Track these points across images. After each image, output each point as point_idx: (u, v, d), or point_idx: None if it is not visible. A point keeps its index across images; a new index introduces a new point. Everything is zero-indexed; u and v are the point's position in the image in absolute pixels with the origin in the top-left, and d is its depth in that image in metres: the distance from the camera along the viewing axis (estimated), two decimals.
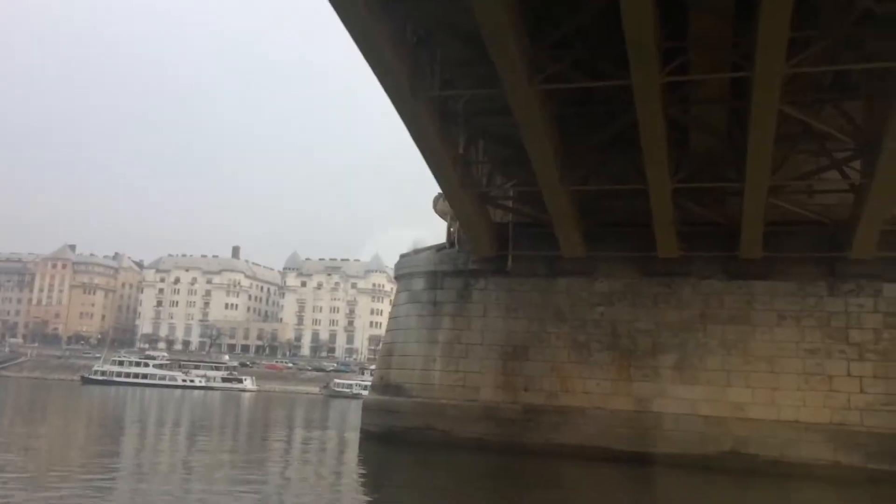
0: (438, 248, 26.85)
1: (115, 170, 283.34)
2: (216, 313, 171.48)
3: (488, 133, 22.06)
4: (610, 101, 20.12)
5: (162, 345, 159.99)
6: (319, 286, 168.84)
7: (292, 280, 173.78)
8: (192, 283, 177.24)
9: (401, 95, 18.12)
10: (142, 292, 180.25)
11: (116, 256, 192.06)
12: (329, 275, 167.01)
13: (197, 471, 20.14)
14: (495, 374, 24.73)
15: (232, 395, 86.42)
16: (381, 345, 31.23)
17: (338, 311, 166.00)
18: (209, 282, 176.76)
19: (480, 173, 24.24)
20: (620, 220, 23.61)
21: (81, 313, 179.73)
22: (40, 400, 55.82)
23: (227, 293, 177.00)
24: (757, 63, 15.74)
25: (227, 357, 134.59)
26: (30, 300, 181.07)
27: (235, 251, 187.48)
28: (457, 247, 26.16)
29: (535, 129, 19.31)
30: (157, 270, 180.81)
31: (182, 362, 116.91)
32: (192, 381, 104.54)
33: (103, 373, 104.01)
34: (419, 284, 26.77)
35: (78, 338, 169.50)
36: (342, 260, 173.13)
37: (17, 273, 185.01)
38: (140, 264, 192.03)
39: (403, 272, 27.81)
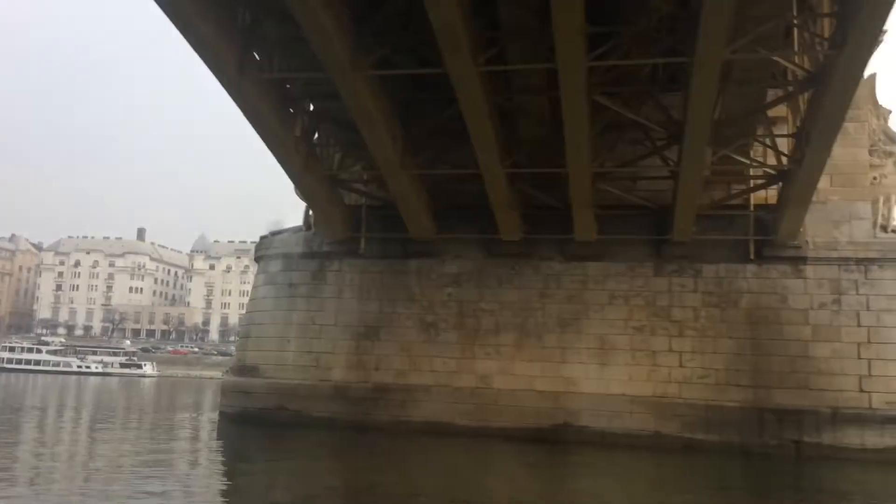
0: (295, 231, 27.21)
1: (9, 146, 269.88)
2: (120, 297, 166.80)
3: (332, 117, 22.42)
4: (443, 88, 20.78)
5: (62, 330, 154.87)
6: (228, 269, 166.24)
7: (200, 263, 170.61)
8: (94, 267, 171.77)
9: (227, 75, 18.34)
10: (40, 276, 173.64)
11: (13, 238, 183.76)
12: (238, 257, 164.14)
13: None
14: (347, 355, 25.34)
15: (131, 381, 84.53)
16: (239, 327, 31.33)
17: (247, 295, 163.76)
18: (112, 265, 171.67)
19: (330, 156, 24.62)
20: (468, 203, 24.34)
21: None
22: None
23: (132, 276, 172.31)
24: (559, 56, 16.69)
25: (128, 342, 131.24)
26: None
27: (141, 233, 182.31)
28: (312, 229, 26.54)
29: (367, 114, 19.86)
30: (57, 253, 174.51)
31: (78, 348, 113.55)
32: (88, 367, 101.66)
33: None
34: (276, 266, 27.10)
35: None
36: (252, 242, 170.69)
37: None
38: (39, 246, 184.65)
39: (261, 254, 28.08)
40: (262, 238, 28.62)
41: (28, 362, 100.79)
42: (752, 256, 23.42)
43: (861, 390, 22.12)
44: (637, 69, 20.34)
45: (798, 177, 20.60)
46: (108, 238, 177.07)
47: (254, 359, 26.72)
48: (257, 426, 25.06)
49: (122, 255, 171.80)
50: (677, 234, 23.39)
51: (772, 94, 21.94)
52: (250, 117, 19.90)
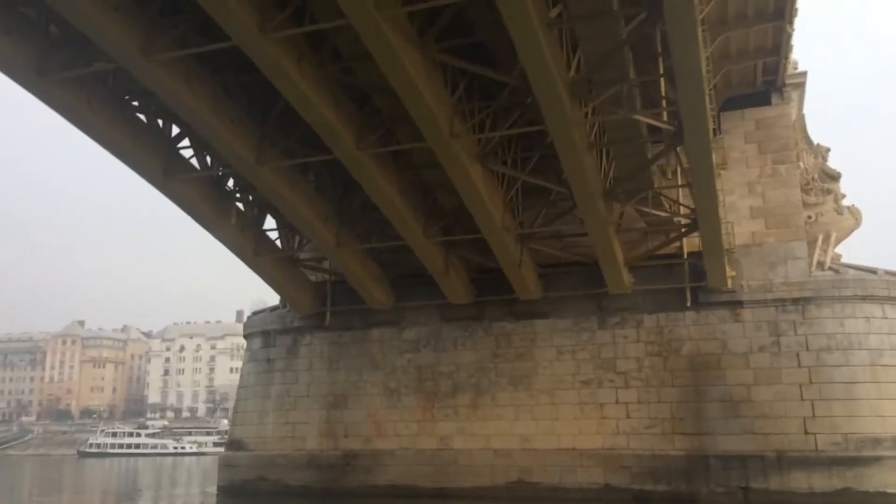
0: (272, 309, 29.24)
1: (111, 238, 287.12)
2: (221, 378, 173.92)
3: (266, 203, 24.34)
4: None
5: (170, 413, 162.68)
6: None
7: None
8: (197, 350, 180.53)
9: (154, 179, 20.73)
10: (149, 362, 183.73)
11: (125, 328, 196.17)
12: None
13: None
14: (319, 424, 26.81)
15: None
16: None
17: None
18: (213, 347, 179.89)
19: (289, 237, 26.54)
20: (421, 270, 25.77)
21: (92, 387, 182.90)
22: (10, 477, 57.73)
23: (232, 357, 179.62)
24: (425, 135, 18.23)
25: (225, 422, 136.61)
26: (42, 378, 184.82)
27: (239, 315, 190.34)
28: (288, 307, 28.48)
29: (285, 201, 21.83)
30: (163, 339, 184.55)
31: (174, 429, 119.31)
32: (183, 447, 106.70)
33: (98, 445, 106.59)
34: (256, 344, 29.13)
35: (89, 412, 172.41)
36: None
37: (30, 352, 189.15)
38: (148, 334, 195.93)
39: (247, 333, 30.20)
40: (248, 317, 30.79)
41: (129, 446, 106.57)
42: (688, 304, 23.68)
43: (806, 432, 21.77)
44: (531, 136, 21.37)
45: (700, 226, 21.07)
46: (209, 322, 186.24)
47: (240, 433, 28.58)
48: (241, 498, 26.71)
49: (222, 338, 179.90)
50: (612, 288, 23.98)
51: None
52: (186, 211, 22.19)
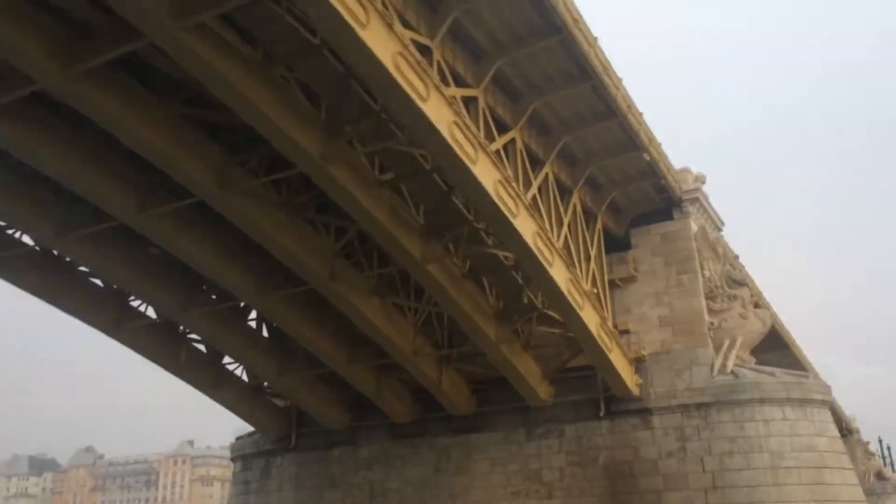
0: (251, 433, 31.96)
1: None
2: None
3: None
4: None
5: None
6: None
7: None
8: None
9: (104, 328, 24.28)
10: None
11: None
12: None
13: None
14: None
15: None
16: None
17: None
18: None
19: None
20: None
21: None
22: None
23: None
24: (309, 281, 21.08)
25: None
26: (156, 498, 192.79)
27: None
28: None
29: (226, 342, 24.93)
30: None
31: None
32: None
33: None
34: (238, 467, 31.79)
35: None
36: None
37: (144, 473, 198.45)
38: None
39: (231, 457, 32.95)
40: (232, 443, 33.59)
41: None
42: (602, 414, 24.82)
43: None
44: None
45: (580, 343, 22.67)
46: None
47: None
48: None
49: None
50: (530, 401, 25.48)
51: None
52: (139, 353, 25.54)
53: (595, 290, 23.46)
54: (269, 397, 29.86)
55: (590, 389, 25.25)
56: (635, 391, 24.38)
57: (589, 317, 22.01)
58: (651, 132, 23.67)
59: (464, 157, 16.34)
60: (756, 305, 26.08)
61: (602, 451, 24.67)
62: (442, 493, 26.81)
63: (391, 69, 14.18)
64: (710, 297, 25.50)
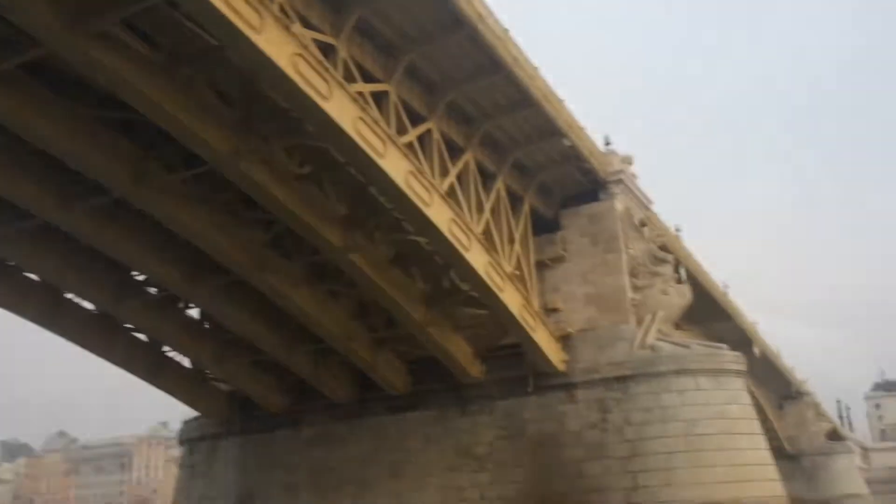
0: (196, 418, 32.58)
1: None
2: None
3: None
4: None
5: None
6: None
7: None
8: None
9: (40, 320, 24.68)
10: None
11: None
12: None
13: None
14: None
15: None
16: None
17: None
18: None
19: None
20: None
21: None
22: None
23: None
24: (239, 273, 21.65)
25: None
26: (130, 480, 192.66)
27: None
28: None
29: (164, 332, 25.44)
30: None
31: None
32: None
33: None
34: (185, 451, 32.47)
35: None
36: None
37: (118, 456, 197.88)
38: None
39: (179, 440, 33.59)
40: (180, 428, 34.21)
41: None
42: (530, 390, 25.80)
43: (629, 503, 23.35)
44: None
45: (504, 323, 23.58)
46: None
47: None
48: None
49: None
50: (462, 379, 26.39)
51: None
52: (77, 344, 25.97)
53: (518, 272, 24.27)
54: (212, 382, 30.46)
55: (520, 366, 26.15)
56: (561, 367, 25.36)
57: (510, 298, 22.89)
58: (572, 118, 24.44)
59: (370, 152, 16.98)
60: (678, 281, 27.10)
61: (530, 425, 25.67)
62: (380, 470, 27.71)
63: (289, 71, 14.73)
64: (633, 274, 26.48)
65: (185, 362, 29.16)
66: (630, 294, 26.10)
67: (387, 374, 27.00)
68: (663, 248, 30.33)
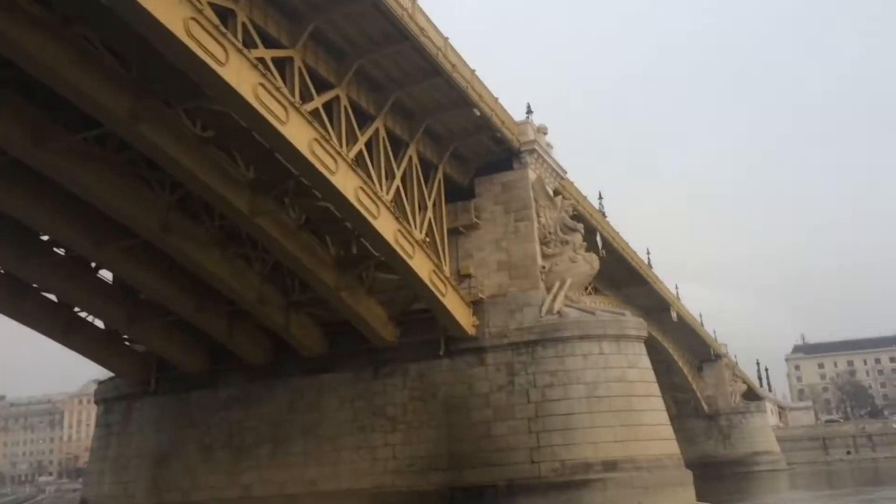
0: (111, 378, 32.45)
1: None
2: None
3: None
4: None
5: None
6: None
7: None
8: None
9: None
10: None
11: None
12: None
13: None
14: (147, 481, 29.74)
15: None
16: None
17: None
18: None
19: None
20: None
21: None
22: None
23: None
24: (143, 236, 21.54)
25: None
26: (61, 438, 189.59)
27: None
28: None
29: (73, 295, 25.18)
30: None
31: None
32: None
33: None
34: (101, 410, 32.35)
35: None
36: None
37: (48, 413, 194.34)
38: None
39: (95, 400, 33.43)
40: (96, 387, 34.04)
41: None
42: (441, 353, 26.44)
43: (532, 461, 24.33)
44: None
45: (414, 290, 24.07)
46: None
47: (86, 492, 31.79)
48: None
49: None
50: (376, 342, 26.88)
51: None
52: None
53: (427, 239, 24.69)
54: (126, 344, 30.29)
55: (433, 330, 26.74)
56: (472, 331, 26.05)
57: (420, 264, 23.34)
58: (483, 88, 24.77)
59: (271, 118, 17.05)
60: (587, 250, 27.90)
61: (441, 387, 26.38)
62: (295, 429, 28.15)
63: (180, 35, 14.65)
64: (544, 242, 27.18)
65: (99, 323, 28.94)
66: (540, 261, 26.85)
67: (301, 336, 27.30)
68: (578, 216, 31.24)
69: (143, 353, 30.82)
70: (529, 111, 30.60)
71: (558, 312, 25.80)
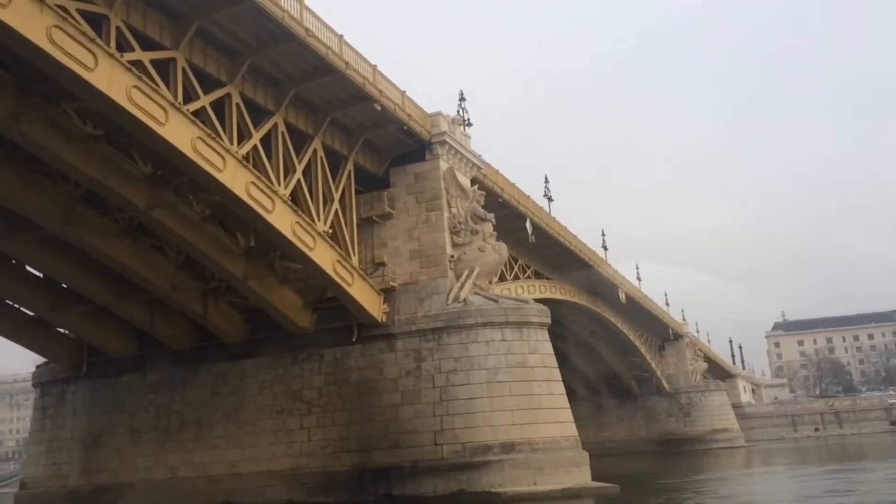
0: (48, 362, 33.30)
1: None
2: None
3: None
4: None
5: None
6: None
7: None
8: None
9: None
10: None
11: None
12: None
13: None
14: (79, 462, 30.73)
15: None
16: None
17: None
18: None
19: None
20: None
21: None
22: None
23: None
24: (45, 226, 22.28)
25: None
26: None
27: None
28: None
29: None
30: None
31: None
32: None
33: None
34: (37, 394, 33.24)
35: None
36: None
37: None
38: None
39: (33, 384, 34.32)
40: (33, 371, 34.90)
41: None
42: (355, 339, 27.35)
43: (435, 444, 25.34)
44: None
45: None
46: None
47: (25, 474, 32.80)
48: None
49: None
50: (292, 329, 27.75)
51: None
52: None
53: (331, 231, 25.44)
54: (57, 329, 31.11)
55: (347, 317, 27.63)
56: (382, 319, 26.95)
57: (322, 255, 24.16)
58: (387, 83, 25.46)
59: (147, 119, 17.76)
60: (497, 239, 28.69)
61: (354, 372, 27.33)
62: (217, 412, 29.10)
63: (42, 44, 15.31)
64: (454, 232, 28.01)
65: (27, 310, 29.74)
66: (450, 251, 27.71)
67: (221, 323, 28.16)
68: (504, 204, 32.06)
69: (75, 339, 31.67)
70: (462, 98, 31.45)
71: (464, 300, 26.69)
